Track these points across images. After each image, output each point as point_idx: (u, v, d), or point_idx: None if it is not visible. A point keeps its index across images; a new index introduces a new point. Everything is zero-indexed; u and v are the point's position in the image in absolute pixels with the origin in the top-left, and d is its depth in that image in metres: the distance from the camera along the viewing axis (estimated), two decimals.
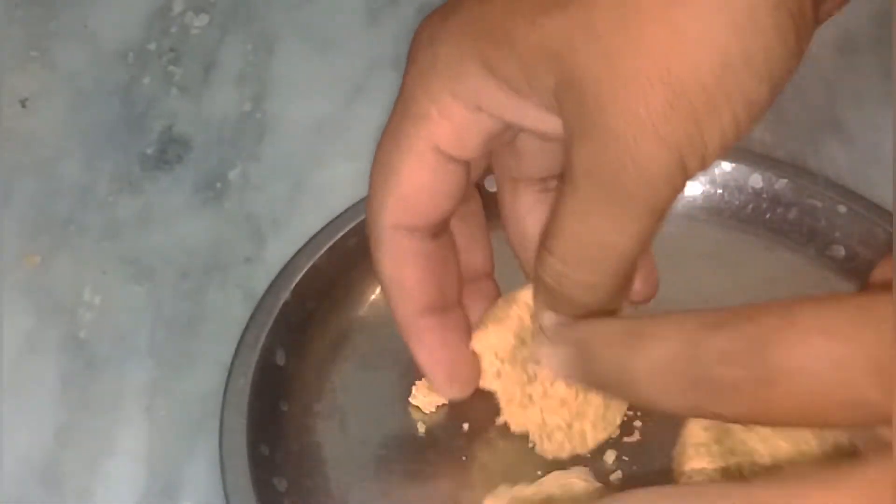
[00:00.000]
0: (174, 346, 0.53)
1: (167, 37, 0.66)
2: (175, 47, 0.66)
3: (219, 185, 0.60)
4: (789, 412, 0.28)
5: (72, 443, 0.50)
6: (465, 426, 0.49)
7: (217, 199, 0.59)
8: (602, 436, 0.45)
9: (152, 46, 0.66)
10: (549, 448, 0.45)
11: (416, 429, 0.49)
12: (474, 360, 0.45)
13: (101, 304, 0.55)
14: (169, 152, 0.61)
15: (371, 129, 0.62)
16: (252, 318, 0.50)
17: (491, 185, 0.55)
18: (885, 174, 0.57)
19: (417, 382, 0.49)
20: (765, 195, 0.55)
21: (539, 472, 0.46)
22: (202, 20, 0.67)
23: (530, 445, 0.45)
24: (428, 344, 0.44)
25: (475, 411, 0.49)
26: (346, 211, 0.54)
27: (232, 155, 0.61)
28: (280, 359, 0.49)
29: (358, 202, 0.54)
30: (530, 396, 0.44)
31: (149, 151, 0.61)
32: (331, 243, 0.52)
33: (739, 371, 0.28)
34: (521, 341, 0.44)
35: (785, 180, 0.55)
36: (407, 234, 0.42)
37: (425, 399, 0.49)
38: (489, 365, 0.45)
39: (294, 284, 0.51)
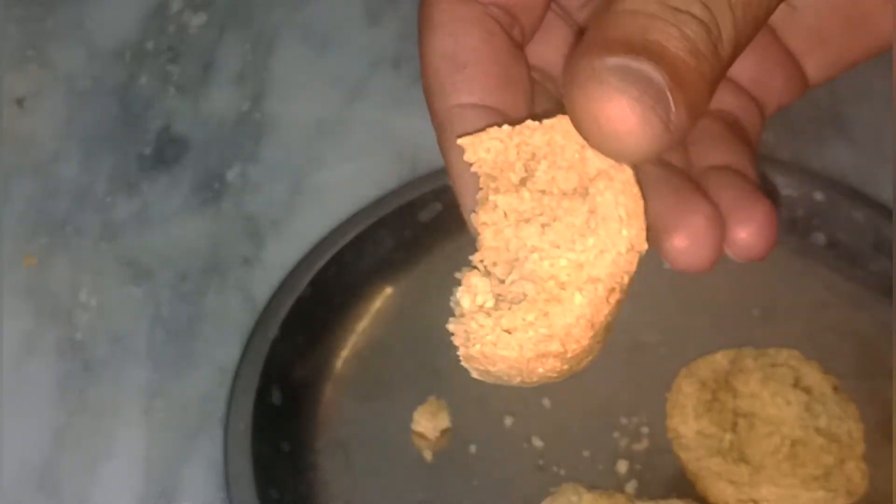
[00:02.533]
0: (172, 348, 0.53)
1: (165, 36, 0.66)
2: (173, 46, 0.65)
3: (217, 185, 0.59)
4: None
5: (69, 445, 0.50)
6: (473, 448, 0.49)
7: (215, 199, 0.59)
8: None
9: (150, 45, 0.65)
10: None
11: (423, 456, 0.49)
12: None
13: (98, 306, 0.54)
14: (167, 152, 0.61)
15: (371, 129, 0.61)
16: (243, 357, 0.49)
17: None
18: (888, 172, 0.57)
19: (419, 408, 0.49)
20: None
21: (552, 489, 0.46)
22: (200, 19, 0.67)
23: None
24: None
25: (481, 433, 0.49)
26: (323, 239, 0.53)
27: (230, 155, 0.60)
28: (276, 398, 0.49)
29: (333, 230, 0.54)
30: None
31: (146, 152, 0.61)
32: (311, 276, 0.52)
33: None
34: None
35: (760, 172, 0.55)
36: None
37: (428, 424, 0.49)
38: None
39: (281, 319, 0.50)
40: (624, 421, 0.49)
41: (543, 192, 0.29)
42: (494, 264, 0.31)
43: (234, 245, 0.57)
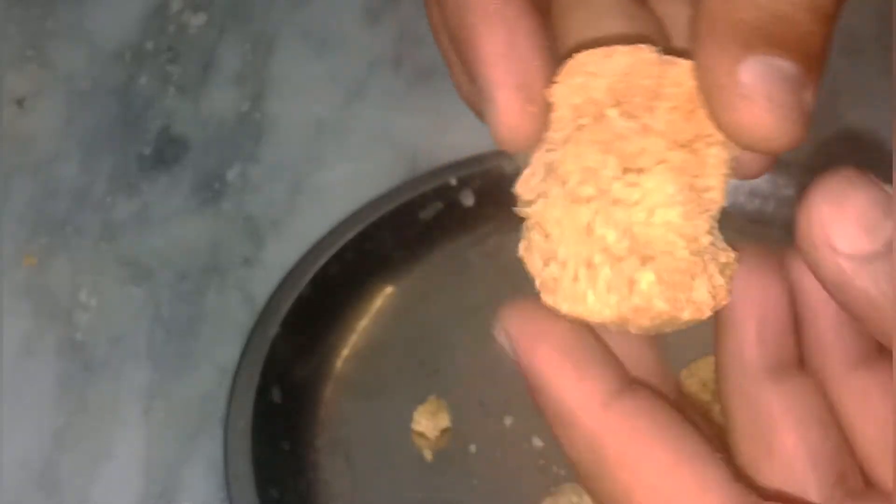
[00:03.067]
0: (172, 348, 0.53)
1: (165, 36, 0.66)
2: (173, 46, 0.65)
3: (217, 185, 0.59)
4: None
5: (69, 446, 0.50)
6: (473, 448, 0.49)
7: (215, 199, 0.59)
8: (660, 308, 0.25)
9: (150, 45, 0.65)
10: (568, 291, 0.26)
11: (423, 456, 0.49)
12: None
13: (98, 306, 0.54)
14: (167, 153, 0.61)
15: (371, 129, 0.61)
16: (243, 356, 0.49)
17: (467, 200, 0.55)
18: (886, 173, 0.57)
19: (419, 407, 0.49)
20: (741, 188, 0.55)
21: (552, 489, 0.46)
22: (200, 19, 0.67)
23: (536, 284, 0.27)
24: (497, 32, 0.27)
25: (481, 433, 0.49)
26: (324, 238, 0.53)
27: (230, 155, 0.60)
28: (276, 396, 0.49)
29: (334, 229, 0.53)
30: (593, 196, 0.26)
31: (146, 152, 0.61)
32: (312, 275, 0.52)
33: None
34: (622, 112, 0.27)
35: None
36: None
37: (429, 423, 0.49)
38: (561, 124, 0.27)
39: (281, 318, 0.50)
40: None
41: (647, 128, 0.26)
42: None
43: (234, 245, 0.57)
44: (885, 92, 0.60)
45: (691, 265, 0.25)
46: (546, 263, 0.26)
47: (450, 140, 0.59)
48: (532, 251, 0.26)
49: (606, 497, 0.25)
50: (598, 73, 0.27)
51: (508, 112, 0.27)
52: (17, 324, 0.53)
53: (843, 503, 0.26)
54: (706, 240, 0.25)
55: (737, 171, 0.27)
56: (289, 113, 0.62)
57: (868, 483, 0.26)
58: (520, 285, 0.48)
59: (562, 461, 0.48)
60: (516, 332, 0.26)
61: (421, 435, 0.49)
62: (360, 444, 0.49)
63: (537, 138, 0.27)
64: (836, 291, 0.23)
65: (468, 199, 0.55)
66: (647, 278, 0.25)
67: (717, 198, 0.26)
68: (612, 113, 0.26)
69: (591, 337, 0.25)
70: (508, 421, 0.49)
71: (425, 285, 0.54)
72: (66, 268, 0.56)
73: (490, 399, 0.50)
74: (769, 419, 0.26)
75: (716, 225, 0.26)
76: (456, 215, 0.55)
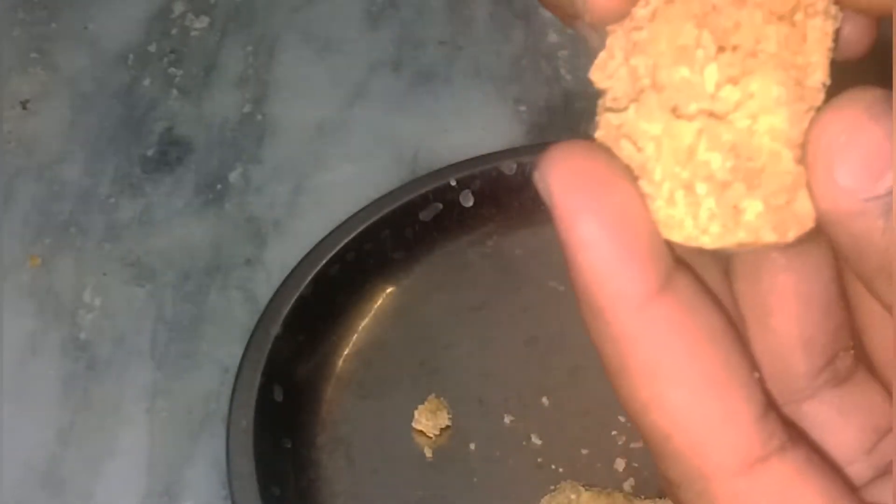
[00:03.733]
0: (175, 348, 0.53)
1: (168, 39, 0.66)
2: (175, 49, 0.66)
3: (219, 186, 0.60)
4: None
5: (73, 444, 0.50)
6: (472, 446, 0.49)
7: (218, 200, 0.59)
8: (766, 235, 0.23)
9: (153, 48, 0.66)
10: (661, 213, 0.23)
11: (424, 454, 0.49)
12: None
13: (101, 306, 0.55)
14: (169, 154, 0.61)
15: (371, 131, 0.62)
16: (245, 355, 0.50)
17: (466, 201, 0.56)
18: None
19: (420, 406, 0.49)
20: None
21: (552, 487, 0.47)
22: (202, 22, 0.67)
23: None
24: None
25: (480, 431, 0.49)
26: (325, 238, 0.54)
27: (232, 157, 0.61)
28: (277, 395, 0.49)
29: (335, 229, 0.54)
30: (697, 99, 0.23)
31: (149, 153, 0.61)
32: (313, 274, 0.52)
33: None
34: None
35: None
36: None
37: (429, 422, 0.49)
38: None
39: (283, 318, 0.51)
40: (622, 419, 0.49)
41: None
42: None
43: (236, 245, 0.57)
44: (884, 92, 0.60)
45: (797, 179, 0.22)
46: (637, 175, 0.23)
47: (449, 141, 0.60)
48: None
49: (624, 403, 0.22)
50: None
51: None
52: (21, 324, 0.54)
53: (822, 388, 0.24)
54: None
55: (840, 49, 0.25)
56: (290, 114, 0.63)
57: (859, 363, 0.25)
58: (520, 285, 0.49)
59: (560, 459, 0.48)
60: (559, 188, 0.21)
61: (421, 433, 0.49)
62: (361, 442, 0.49)
63: (629, 5, 0.24)
64: (827, 222, 0.22)
65: (468, 200, 0.55)
66: (754, 208, 0.22)
67: (821, 77, 0.23)
68: None
69: (640, 208, 0.22)
70: (508, 419, 0.50)
71: (425, 285, 0.54)
72: (70, 268, 0.56)
73: (489, 398, 0.50)
74: (770, 294, 0.24)
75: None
76: (455, 216, 0.55)
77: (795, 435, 0.23)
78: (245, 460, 0.46)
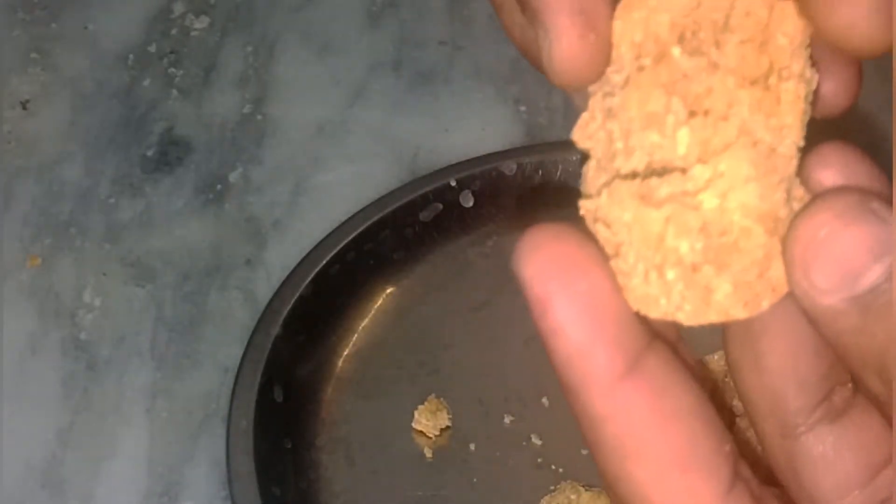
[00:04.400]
0: (175, 348, 0.53)
1: (167, 39, 0.66)
2: (175, 49, 0.66)
3: (219, 187, 0.60)
4: None
5: (73, 445, 0.50)
6: (472, 446, 0.49)
7: (217, 201, 0.59)
8: (736, 312, 0.24)
9: (153, 48, 0.66)
10: (638, 292, 0.24)
11: (424, 454, 0.49)
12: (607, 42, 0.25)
13: (101, 306, 0.55)
14: (169, 154, 0.61)
15: (371, 131, 0.62)
16: (245, 355, 0.50)
17: (466, 201, 0.56)
18: (886, 174, 0.57)
19: (420, 407, 0.49)
20: None
21: (552, 487, 0.47)
22: (202, 22, 0.67)
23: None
24: None
25: (480, 431, 0.49)
26: (325, 238, 0.54)
27: (232, 157, 0.61)
28: (277, 395, 0.49)
29: (335, 229, 0.54)
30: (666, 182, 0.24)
31: (149, 153, 0.61)
32: (313, 274, 0.52)
33: None
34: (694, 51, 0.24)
35: None
36: None
37: (429, 423, 0.49)
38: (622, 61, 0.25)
39: (283, 318, 0.51)
40: None
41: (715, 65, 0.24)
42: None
43: (236, 246, 0.57)
44: (885, 93, 0.60)
45: (770, 251, 0.23)
46: (612, 255, 0.23)
47: (450, 141, 0.60)
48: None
49: (599, 474, 0.24)
50: (660, 6, 0.24)
51: (566, 38, 0.24)
52: (21, 324, 0.54)
53: (818, 424, 0.25)
54: (784, 211, 0.23)
55: (819, 108, 0.25)
56: (290, 115, 0.63)
57: (855, 394, 0.25)
58: (519, 286, 0.49)
59: (560, 459, 0.48)
60: (532, 275, 0.22)
61: (421, 433, 0.49)
62: (361, 442, 0.49)
63: (597, 72, 0.25)
64: (810, 319, 0.23)
65: (468, 201, 0.55)
66: (723, 289, 0.23)
67: (795, 140, 0.24)
68: (676, 51, 0.24)
69: (610, 294, 0.23)
70: (508, 419, 0.50)
71: (425, 285, 0.54)
72: (70, 268, 0.56)
73: (489, 398, 0.50)
74: (762, 337, 0.24)
75: (794, 176, 0.24)
76: (455, 216, 0.55)
77: (764, 494, 0.24)
78: (245, 460, 0.46)
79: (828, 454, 0.25)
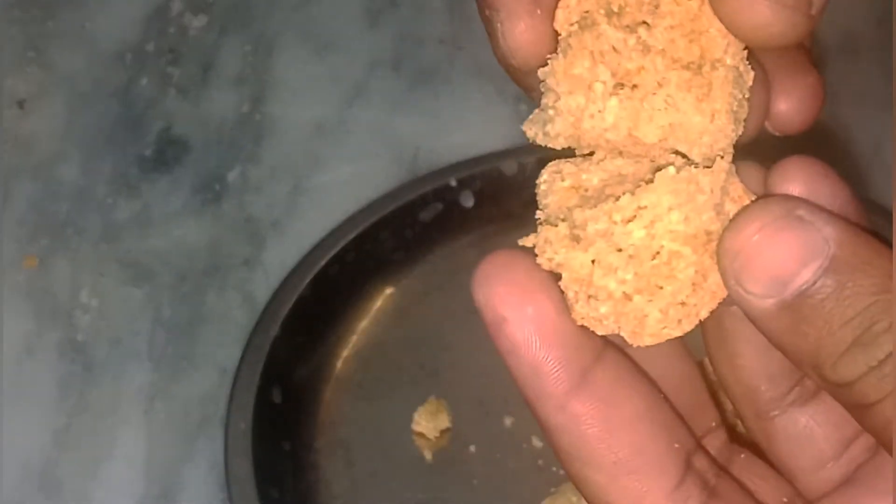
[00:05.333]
0: (173, 349, 0.53)
1: (165, 37, 0.66)
2: (173, 48, 0.65)
3: (217, 186, 0.59)
4: None
5: (70, 446, 0.50)
6: (472, 448, 0.49)
7: (216, 200, 0.59)
8: (670, 332, 0.26)
9: (150, 47, 0.65)
10: (581, 315, 0.25)
11: (423, 456, 0.49)
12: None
13: (98, 307, 0.54)
14: (167, 154, 0.61)
15: (370, 130, 0.62)
16: (243, 356, 0.49)
17: (467, 201, 0.55)
18: (887, 175, 0.57)
19: (419, 408, 0.49)
20: None
21: (552, 489, 0.46)
22: (201, 21, 0.67)
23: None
24: None
25: (481, 433, 0.49)
26: (324, 239, 0.53)
27: (231, 157, 0.61)
28: (276, 397, 0.49)
29: (334, 229, 0.54)
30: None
31: (147, 153, 0.61)
32: (312, 275, 0.52)
33: None
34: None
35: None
36: None
37: (429, 424, 0.49)
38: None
39: (281, 319, 0.50)
40: None
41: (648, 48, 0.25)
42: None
43: (234, 246, 0.57)
44: (884, 93, 0.60)
45: (702, 267, 0.24)
46: (558, 282, 0.25)
47: (450, 141, 0.60)
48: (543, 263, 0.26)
49: (567, 475, 0.26)
50: None
51: (515, 16, 0.27)
52: (18, 324, 0.54)
53: (790, 407, 0.27)
54: (715, 224, 0.24)
55: (779, 125, 0.27)
56: (289, 114, 0.63)
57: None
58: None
59: None
60: (486, 303, 0.25)
61: (421, 435, 0.49)
62: (360, 444, 0.49)
63: (545, 48, 0.27)
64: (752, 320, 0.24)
65: (468, 201, 0.55)
66: (654, 316, 0.24)
67: (725, 145, 0.25)
68: (604, 21, 0.25)
69: (555, 317, 0.25)
70: (508, 421, 0.50)
71: (425, 286, 0.54)
72: (66, 269, 0.56)
73: (489, 399, 0.50)
74: (733, 338, 0.26)
75: (725, 185, 0.25)
76: (455, 216, 0.55)
77: (720, 481, 0.26)
78: (243, 462, 0.46)
79: (801, 434, 0.27)
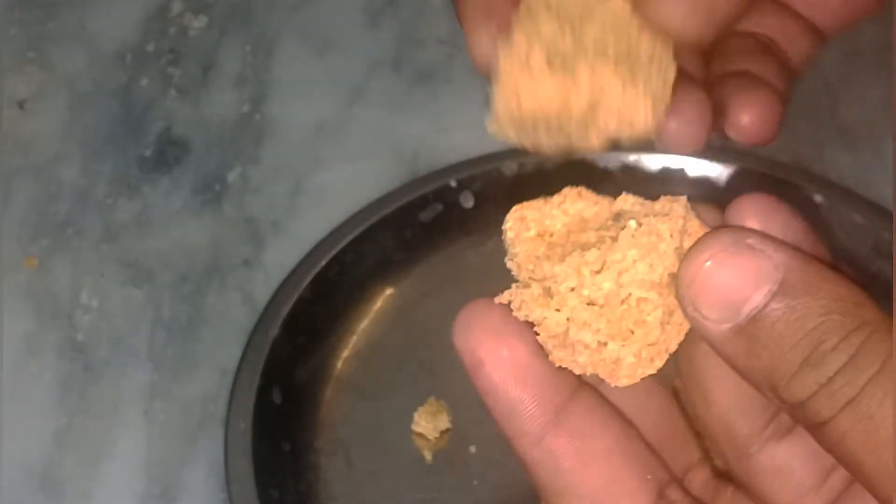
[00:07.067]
0: (173, 350, 0.53)
1: (165, 38, 0.66)
2: (174, 48, 0.65)
3: (217, 187, 0.59)
4: None
5: (70, 446, 0.50)
6: (472, 448, 0.49)
7: (216, 201, 0.59)
8: (645, 371, 0.28)
9: (150, 48, 0.65)
10: (559, 359, 0.28)
11: (423, 456, 0.49)
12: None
13: (99, 307, 0.54)
14: (167, 154, 0.61)
15: (371, 131, 0.62)
16: (243, 357, 0.49)
17: (467, 202, 0.55)
18: (887, 175, 0.57)
19: (420, 409, 0.49)
20: (715, 184, 0.55)
21: None
22: (201, 21, 0.67)
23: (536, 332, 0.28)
24: None
25: (480, 433, 0.49)
26: (324, 239, 0.53)
27: (231, 157, 0.61)
28: (276, 397, 0.49)
29: (334, 230, 0.54)
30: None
31: (147, 153, 0.61)
32: (312, 276, 0.52)
33: None
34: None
35: (730, 169, 0.55)
36: None
37: (429, 425, 0.49)
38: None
39: (282, 319, 0.50)
40: None
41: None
42: None
43: (234, 246, 0.57)
44: (884, 94, 0.60)
45: (668, 306, 0.26)
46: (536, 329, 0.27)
47: (450, 142, 0.60)
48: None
49: None
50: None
51: (476, 28, 0.31)
52: (18, 325, 0.54)
53: (768, 443, 0.28)
54: (678, 266, 0.26)
55: (742, 137, 0.31)
56: (289, 114, 0.63)
57: None
58: None
59: None
60: (465, 347, 0.27)
61: (421, 436, 0.49)
62: (360, 444, 0.49)
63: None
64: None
65: (468, 201, 0.55)
66: (628, 360, 0.26)
67: (645, 110, 0.28)
68: (543, 14, 0.29)
69: (530, 362, 0.27)
70: None
71: (425, 287, 0.54)
72: (67, 269, 0.56)
73: None
74: (706, 376, 0.28)
75: (683, 226, 0.26)
76: (456, 217, 0.55)
77: None
78: (243, 463, 0.46)
79: (780, 468, 0.28)
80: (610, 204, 0.27)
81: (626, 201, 0.27)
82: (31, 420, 0.51)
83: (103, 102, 0.63)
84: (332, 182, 0.59)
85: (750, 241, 0.25)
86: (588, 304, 0.26)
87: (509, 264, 0.28)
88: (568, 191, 0.28)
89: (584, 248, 0.26)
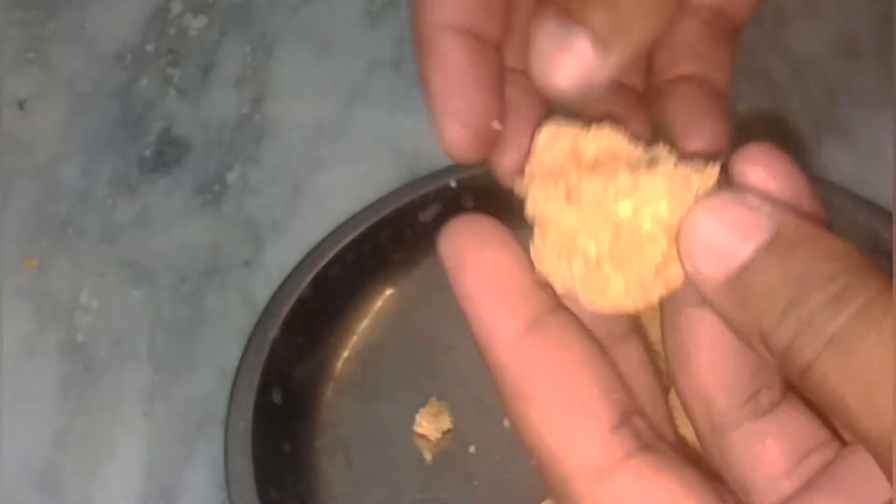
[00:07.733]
0: (173, 350, 0.53)
1: (165, 38, 0.66)
2: (173, 49, 0.65)
3: (217, 187, 0.59)
4: None
5: (70, 447, 0.50)
6: (472, 449, 0.49)
7: (216, 201, 0.59)
8: (625, 305, 0.28)
9: (150, 48, 0.65)
10: (548, 265, 0.28)
11: (423, 457, 0.49)
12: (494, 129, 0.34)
13: (99, 308, 0.54)
14: (167, 155, 0.61)
15: (371, 131, 0.62)
16: (243, 357, 0.49)
17: (467, 202, 0.55)
18: (887, 175, 0.57)
19: (421, 410, 0.49)
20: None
21: None
22: (201, 21, 0.67)
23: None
24: (450, 61, 0.32)
25: (481, 434, 0.49)
26: (324, 239, 0.53)
27: (230, 157, 0.61)
28: (276, 397, 0.49)
29: (334, 230, 0.53)
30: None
31: (147, 154, 0.61)
32: (312, 276, 0.52)
33: None
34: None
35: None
36: None
37: (430, 426, 0.49)
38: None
39: (282, 320, 0.50)
40: None
41: None
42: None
43: (234, 247, 0.57)
44: (885, 94, 0.60)
45: (669, 256, 0.26)
46: (534, 224, 0.27)
47: None
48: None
49: (508, 417, 0.27)
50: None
51: (447, 132, 0.32)
52: (18, 325, 0.54)
53: (745, 420, 0.28)
54: None
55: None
56: (289, 115, 0.63)
57: (784, 396, 0.29)
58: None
59: None
60: (449, 252, 0.27)
61: (422, 436, 0.49)
62: (360, 445, 0.49)
63: (480, 156, 0.33)
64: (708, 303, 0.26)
65: (468, 202, 0.55)
66: (617, 287, 0.26)
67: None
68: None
69: (521, 264, 0.27)
70: (508, 422, 0.49)
71: (425, 287, 0.54)
72: (67, 269, 0.56)
73: (490, 400, 0.49)
74: (689, 343, 0.28)
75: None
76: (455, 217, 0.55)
77: (657, 442, 0.26)
78: (243, 463, 0.46)
79: (755, 447, 0.28)
80: (644, 150, 0.28)
81: (663, 150, 0.27)
82: (31, 421, 0.51)
83: (103, 103, 0.63)
84: (332, 182, 0.59)
85: (748, 198, 0.25)
86: (604, 219, 0.26)
87: (530, 169, 0.28)
88: (606, 124, 0.28)
89: (613, 175, 0.26)
